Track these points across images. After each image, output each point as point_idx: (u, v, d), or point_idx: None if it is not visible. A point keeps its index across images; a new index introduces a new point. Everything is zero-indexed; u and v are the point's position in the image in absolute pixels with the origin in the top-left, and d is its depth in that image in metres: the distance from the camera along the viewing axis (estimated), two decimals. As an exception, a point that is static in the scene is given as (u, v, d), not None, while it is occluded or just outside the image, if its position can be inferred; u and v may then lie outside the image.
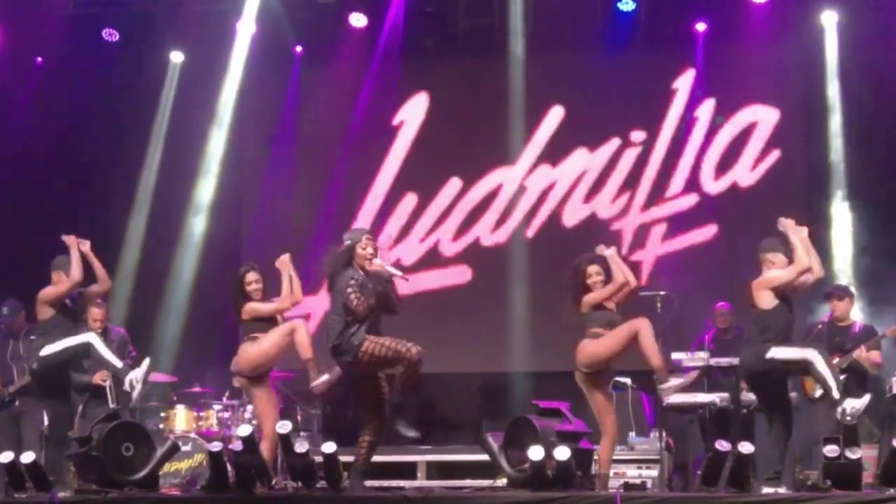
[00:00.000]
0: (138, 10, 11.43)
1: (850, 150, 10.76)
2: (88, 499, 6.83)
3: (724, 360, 8.67)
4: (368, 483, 7.35)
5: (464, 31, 11.55)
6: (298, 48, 11.79)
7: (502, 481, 7.42)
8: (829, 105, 10.84)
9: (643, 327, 7.34)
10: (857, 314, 9.17)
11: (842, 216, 10.66)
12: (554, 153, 11.51)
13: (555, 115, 11.51)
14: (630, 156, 11.41)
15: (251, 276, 7.64)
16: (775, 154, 11.17)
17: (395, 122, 11.77)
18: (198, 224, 11.47)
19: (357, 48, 11.47)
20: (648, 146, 11.37)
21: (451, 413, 11.45)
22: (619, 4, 11.13)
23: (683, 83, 11.35)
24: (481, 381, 11.47)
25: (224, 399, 9.41)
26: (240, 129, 11.67)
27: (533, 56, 11.32)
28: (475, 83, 11.56)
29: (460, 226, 11.60)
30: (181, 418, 9.14)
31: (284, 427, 6.85)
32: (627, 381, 8.82)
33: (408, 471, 9.49)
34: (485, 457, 7.43)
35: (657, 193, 11.34)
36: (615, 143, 11.43)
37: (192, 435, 8.92)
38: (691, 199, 11.30)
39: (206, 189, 11.55)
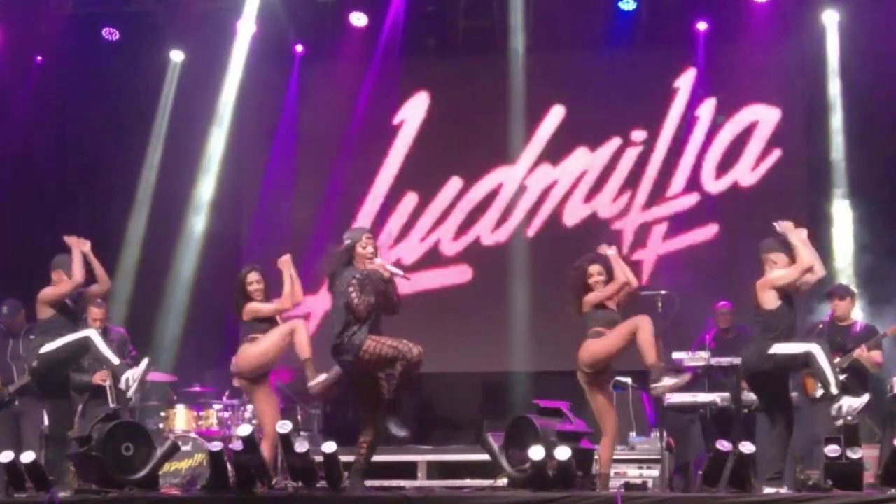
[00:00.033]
0: (138, 9, 11.42)
1: (851, 148, 10.75)
2: (88, 499, 6.81)
3: (724, 360, 8.66)
4: (369, 483, 7.34)
5: (464, 30, 11.55)
6: (299, 47, 11.78)
7: (503, 481, 7.41)
8: (830, 103, 10.83)
9: (643, 324, 7.35)
10: (857, 313, 9.15)
11: (842, 215, 10.65)
12: (555, 152, 11.50)
13: (555, 115, 11.50)
14: (631, 155, 11.40)
15: (252, 277, 7.65)
16: (776, 153, 11.16)
17: (396, 121, 11.76)
18: (198, 223, 11.46)
19: (357, 47, 11.46)
20: (649, 145, 11.36)
21: (451, 413, 11.45)
22: (619, 4, 11.12)
23: (684, 82, 11.34)
24: (482, 381, 11.46)
25: (224, 399, 9.40)
26: (240, 129, 11.65)
27: (534, 55, 11.31)
28: (476, 82, 11.55)
29: (461, 225, 11.60)
30: (181, 418, 9.14)
31: (285, 427, 6.85)
32: (628, 380, 8.81)
33: (408, 471, 9.48)
34: (485, 457, 7.43)
35: (658, 193, 11.33)
36: (616, 142, 11.42)
37: (193, 434, 8.92)
38: (692, 199, 11.29)
39: (206, 188, 11.54)
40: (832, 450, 6.62)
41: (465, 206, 11.58)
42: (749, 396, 8.47)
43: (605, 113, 11.30)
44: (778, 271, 7.26)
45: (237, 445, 6.82)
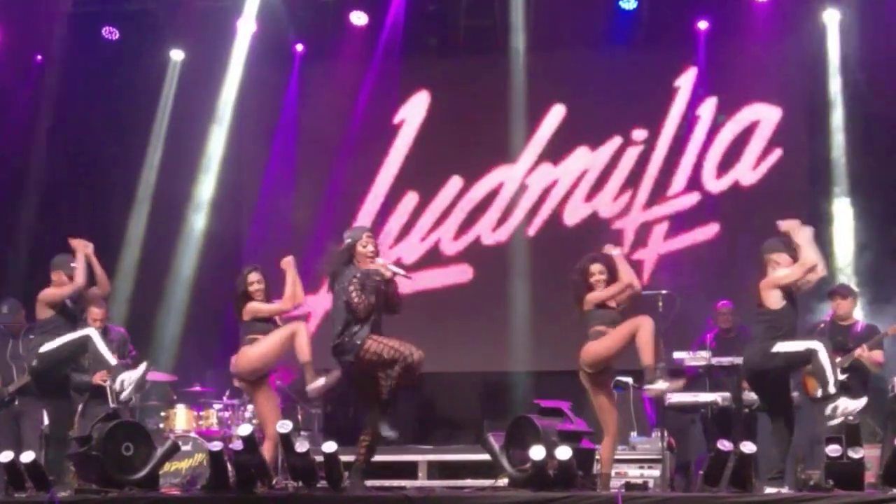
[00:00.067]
0: (138, 8, 11.42)
1: (852, 147, 10.73)
2: (88, 498, 6.80)
3: (725, 360, 8.65)
4: (369, 483, 7.33)
5: (465, 29, 11.53)
6: (299, 46, 11.77)
7: (503, 481, 7.40)
8: (831, 102, 10.81)
9: (644, 325, 7.35)
10: (857, 312, 9.14)
11: (843, 214, 10.63)
12: (555, 152, 11.49)
13: (556, 114, 11.48)
14: (632, 154, 11.38)
15: (254, 277, 7.65)
16: (777, 153, 11.15)
17: (396, 120, 11.75)
18: (198, 223, 11.45)
19: (358, 46, 11.45)
20: (650, 145, 11.35)
21: (452, 413, 11.44)
22: (620, 2, 11.10)
23: (685, 81, 11.33)
24: (482, 381, 11.45)
25: (224, 398, 9.39)
26: (240, 128, 11.64)
27: (534, 54, 11.30)
28: (476, 81, 11.53)
29: (461, 224, 11.58)
30: (181, 417, 9.12)
31: (285, 427, 6.84)
32: (629, 380, 8.79)
33: (409, 470, 9.47)
34: (486, 456, 7.41)
35: (659, 192, 11.32)
36: (617, 141, 11.40)
37: (193, 434, 8.90)
38: (693, 198, 11.28)
39: (206, 187, 11.52)
40: (833, 449, 6.61)
41: (466, 206, 11.57)
42: (750, 396, 8.46)
43: (605, 112, 11.29)
44: (782, 271, 7.25)
45: (237, 445, 6.81)
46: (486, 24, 11.47)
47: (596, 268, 7.60)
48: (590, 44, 11.21)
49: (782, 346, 7.12)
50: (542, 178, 11.51)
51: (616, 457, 7.82)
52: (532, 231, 11.47)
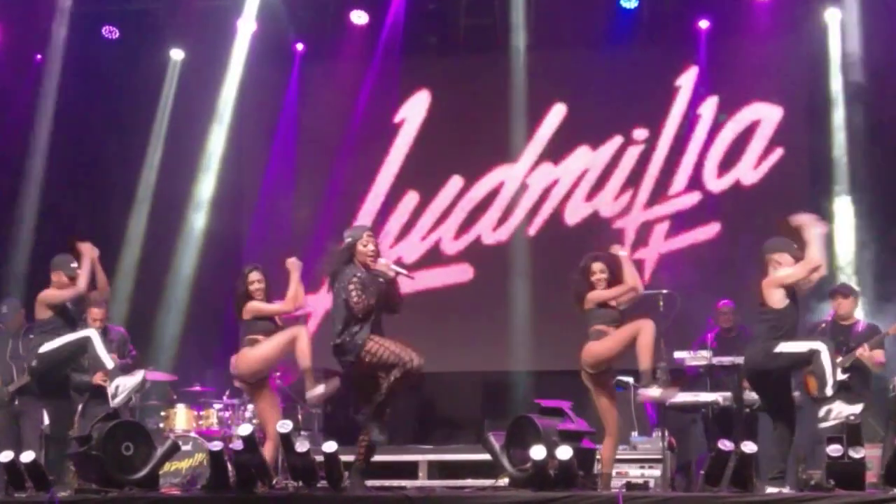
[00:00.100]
0: (138, 7, 11.42)
1: (854, 146, 10.72)
2: (88, 498, 6.79)
3: (726, 359, 8.63)
4: (370, 482, 7.32)
5: (465, 28, 11.52)
6: (299, 45, 11.76)
7: (504, 481, 7.39)
8: (832, 100, 10.80)
9: (646, 328, 7.34)
10: (858, 312, 9.12)
11: (844, 213, 10.62)
12: (556, 151, 11.48)
13: (557, 113, 11.47)
14: (632, 154, 11.37)
15: (254, 276, 7.65)
16: (778, 152, 11.13)
17: (397, 119, 11.74)
18: (198, 222, 11.44)
19: (358, 45, 11.44)
20: (651, 144, 11.34)
21: (452, 412, 11.43)
22: (621, 1, 11.10)
23: (686, 81, 11.32)
24: (483, 380, 11.44)
25: (224, 398, 9.38)
26: (240, 127, 11.63)
27: (535, 53, 11.29)
28: (477, 81, 11.52)
29: (462, 224, 11.57)
30: (181, 417, 9.11)
31: (285, 426, 6.82)
32: (630, 380, 8.77)
33: (409, 470, 9.45)
34: (486, 456, 7.40)
35: (660, 191, 11.31)
36: (617, 140, 11.39)
37: (193, 434, 8.89)
38: (694, 198, 11.27)
39: (206, 187, 11.51)
40: (835, 449, 6.59)
41: (466, 205, 11.56)
42: (751, 396, 8.45)
43: (606, 111, 11.27)
44: (785, 269, 7.23)
45: (237, 445, 6.80)
46: (486, 22, 11.46)
47: (597, 266, 7.59)
48: (590, 43, 11.20)
49: (785, 347, 7.11)
50: (542, 177, 11.50)
51: (617, 456, 7.81)
52: (533, 230, 11.46)
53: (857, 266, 10.39)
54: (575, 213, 11.43)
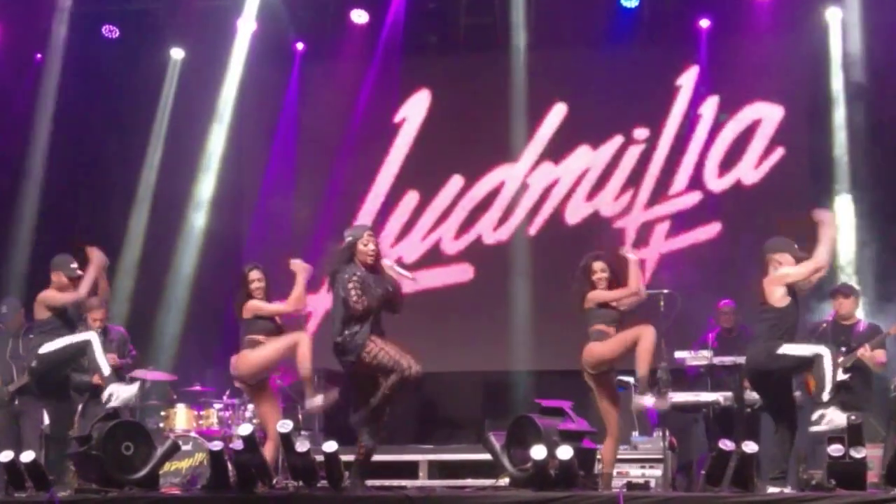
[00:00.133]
0: (139, 6, 11.42)
1: (854, 145, 10.71)
2: (88, 498, 6.79)
3: (727, 359, 8.61)
4: (370, 482, 7.31)
5: (465, 27, 11.52)
6: (299, 45, 11.75)
7: (505, 481, 7.38)
8: (833, 99, 10.78)
9: (646, 334, 7.33)
10: (859, 311, 9.11)
11: (845, 212, 10.61)
12: (556, 150, 11.47)
13: (557, 113, 11.46)
14: (633, 153, 11.36)
15: (254, 275, 7.64)
16: (779, 152, 11.12)
17: (397, 119, 11.73)
18: (198, 221, 11.44)
19: (358, 45, 11.44)
20: (652, 143, 11.32)
21: (452, 412, 11.42)
22: (621, 1, 11.08)
23: (687, 80, 11.30)
24: (483, 380, 11.43)
25: (225, 398, 9.37)
26: (240, 126, 11.63)
27: (535, 52, 11.28)
28: (477, 80, 11.51)
29: (462, 224, 11.56)
30: (181, 417, 9.10)
31: (285, 426, 6.82)
32: (630, 380, 8.75)
33: (409, 470, 9.44)
34: (487, 456, 7.39)
35: (660, 191, 11.30)
36: (618, 140, 11.38)
37: (193, 434, 8.88)
38: (695, 197, 11.25)
39: (206, 186, 11.51)
40: (836, 449, 6.58)
41: (467, 205, 11.55)
42: (752, 395, 8.44)
43: (607, 111, 11.26)
44: (788, 268, 7.22)
45: (238, 445, 6.79)
46: (486, 21, 11.45)
47: (598, 266, 7.58)
48: (591, 42, 11.19)
49: (789, 349, 7.10)
50: (543, 177, 11.48)
51: (618, 456, 7.79)
52: (533, 230, 11.45)
53: (858, 265, 10.38)
54: (575, 213, 11.42)
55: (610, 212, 11.36)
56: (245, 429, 6.88)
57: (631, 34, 11.13)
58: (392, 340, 7.11)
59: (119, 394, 7.68)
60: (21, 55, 11.20)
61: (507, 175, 11.52)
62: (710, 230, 11.12)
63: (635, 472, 8.59)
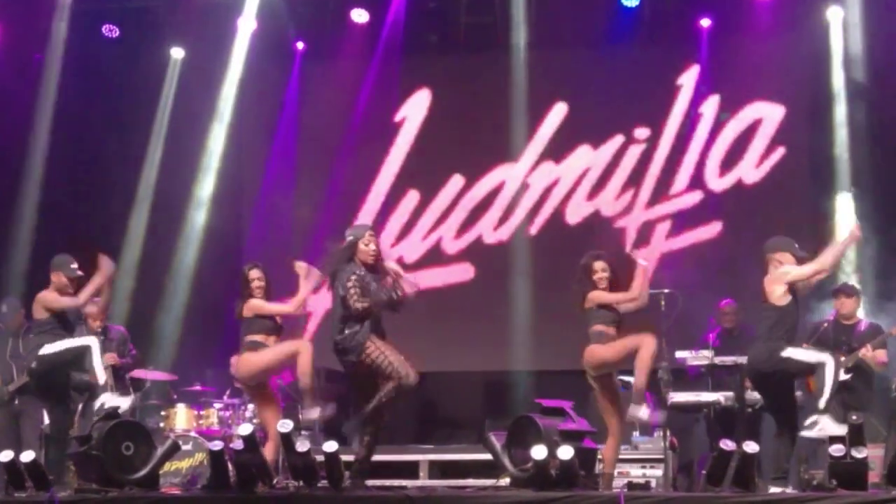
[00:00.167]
0: (139, 5, 11.40)
1: (855, 144, 10.69)
2: (88, 498, 6.78)
3: (728, 359, 8.60)
4: (370, 482, 7.30)
5: (466, 26, 11.51)
6: (299, 44, 11.74)
7: (505, 481, 7.38)
8: (834, 98, 10.77)
9: (647, 344, 7.32)
10: (859, 310, 9.10)
11: (845, 211, 10.60)
12: (557, 150, 11.45)
13: (558, 112, 11.44)
14: (634, 153, 11.35)
15: (254, 274, 7.64)
16: (780, 151, 11.11)
17: (397, 118, 11.71)
18: (199, 220, 11.43)
19: (358, 44, 11.43)
20: (652, 143, 11.31)
21: (453, 412, 11.42)
22: (622, 0, 11.06)
23: (688, 79, 11.29)
24: (484, 380, 11.43)
25: (225, 398, 9.36)
26: (241, 126, 11.61)
27: (536, 52, 11.26)
28: (477, 79, 11.50)
29: (463, 223, 11.55)
30: (182, 417, 9.09)
31: (286, 426, 6.80)
32: (631, 379, 8.75)
33: (410, 470, 9.42)
34: (487, 456, 7.38)
35: (661, 191, 11.28)
36: (619, 139, 11.37)
37: (193, 434, 8.87)
38: (696, 197, 11.24)
39: (206, 185, 11.50)
40: (837, 449, 6.57)
41: (467, 204, 11.54)
42: (753, 395, 8.43)
43: (607, 110, 11.25)
44: (790, 267, 7.21)
45: (238, 444, 6.78)
46: (486, 21, 11.44)
47: (599, 265, 7.57)
48: (591, 41, 11.17)
49: (793, 353, 7.10)
50: (543, 176, 11.47)
51: (618, 456, 7.78)
52: (534, 230, 11.44)
53: (858, 264, 10.37)
54: (576, 213, 11.41)
55: (611, 211, 11.34)
56: (245, 428, 6.87)
57: (631, 33, 11.11)
58: (392, 343, 7.10)
59: (111, 403, 7.64)
60: (21, 55, 11.18)
61: (507, 174, 11.51)
62: (711, 230, 11.11)
63: (636, 472, 8.58)
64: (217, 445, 6.90)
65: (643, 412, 7.38)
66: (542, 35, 11.26)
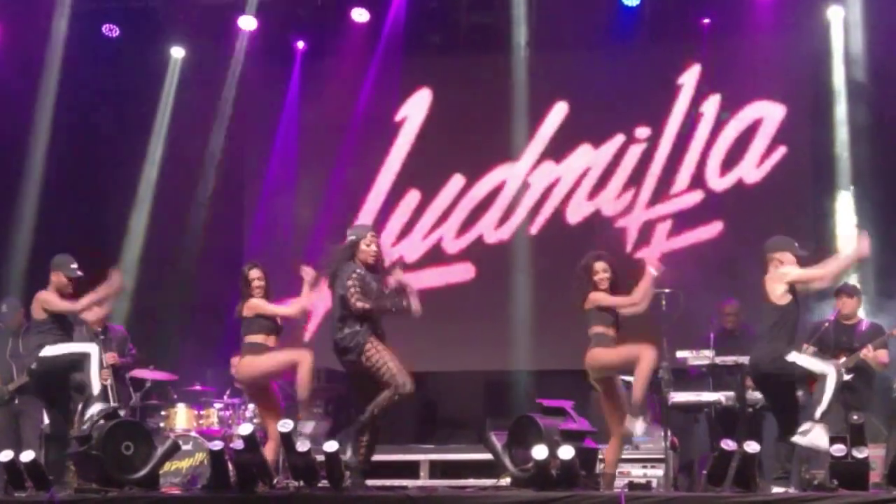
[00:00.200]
0: (139, 5, 11.39)
1: (856, 143, 10.68)
2: (88, 498, 6.77)
3: (730, 359, 8.59)
4: (371, 482, 7.30)
5: (467, 26, 11.50)
6: (300, 43, 11.74)
7: (506, 480, 7.37)
8: (835, 97, 10.76)
9: (646, 357, 7.31)
10: (860, 310, 9.09)
11: (846, 210, 10.59)
12: (558, 149, 11.45)
13: (558, 111, 11.44)
14: (635, 152, 11.34)
15: (255, 274, 7.63)
16: (781, 150, 11.10)
17: (398, 118, 11.71)
18: (199, 220, 11.42)
19: (359, 43, 11.42)
20: (653, 142, 11.30)
21: (454, 412, 11.41)
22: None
23: (688, 79, 11.28)
24: (484, 380, 11.42)
25: (225, 397, 9.36)
26: (241, 126, 11.61)
27: (537, 52, 11.26)
28: (478, 79, 11.50)
29: (463, 223, 11.55)
30: (182, 417, 9.10)
31: (286, 426, 6.80)
32: (632, 379, 8.74)
33: (410, 470, 9.42)
34: (488, 456, 7.38)
35: (662, 190, 11.27)
36: (619, 139, 11.36)
37: (193, 433, 8.88)
38: (696, 196, 11.23)
39: (207, 185, 11.50)
40: (838, 449, 6.56)
41: (468, 204, 11.53)
42: (754, 395, 8.41)
43: (608, 110, 11.24)
44: (791, 268, 7.20)
45: (238, 444, 6.77)
46: (487, 21, 11.44)
47: (600, 266, 7.55)
48: (592, 41, 11.15)
49: (798, 359, 7.09)
50: (544, 176, 11.47)
51: (620, 457, 7.77)
52: (534, 229, 11.43)
53: (859, 263, 10.34)
54: (577, 212, 11.40)
55: (611, 211, 11.34)
56: (245, 428, 6.87)
57: (632, 33, 11.10)
58: (391, 347, 7.09)
59: (103, 413, 7.60)
60: (21, 54, 11.18)
61: (508, 174, 11.50)
62: (712, 229, 11.10)
63: (637, 472, 8.58)
64: (217, 445, 6.90)
65: (639, 427, 7.37)
66: (542, 34, 11.25)
